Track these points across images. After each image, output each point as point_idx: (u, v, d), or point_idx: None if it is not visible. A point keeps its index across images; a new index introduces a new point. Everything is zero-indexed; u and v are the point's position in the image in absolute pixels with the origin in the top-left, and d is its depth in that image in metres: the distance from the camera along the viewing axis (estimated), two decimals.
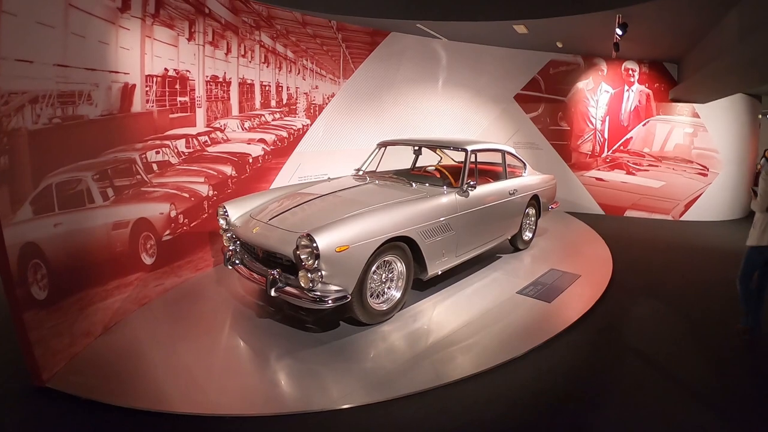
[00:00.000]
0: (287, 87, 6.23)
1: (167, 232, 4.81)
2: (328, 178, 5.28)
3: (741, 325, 3.79)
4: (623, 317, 4.18)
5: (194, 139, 5.14)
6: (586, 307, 4.19)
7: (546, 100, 8.50)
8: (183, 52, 4.92)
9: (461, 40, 7.82)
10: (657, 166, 8.14)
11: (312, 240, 3.15)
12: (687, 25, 5.69)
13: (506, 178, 5.38)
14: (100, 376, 3.05)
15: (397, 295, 3.84)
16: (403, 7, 6.34)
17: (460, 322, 3.83)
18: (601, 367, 3.34)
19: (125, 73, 4.33)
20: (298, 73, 6.34)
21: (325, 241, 3.19)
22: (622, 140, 8.29)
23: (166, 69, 4.76)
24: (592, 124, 8.40)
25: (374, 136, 6.26)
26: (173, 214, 4.89)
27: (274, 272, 3.47)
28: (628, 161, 8.30)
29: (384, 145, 5.28)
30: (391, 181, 4.75)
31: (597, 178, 8.49)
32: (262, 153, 6.00)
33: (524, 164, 5.88)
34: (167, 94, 4.80)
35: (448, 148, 5.18)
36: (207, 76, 5.22)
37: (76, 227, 3.75)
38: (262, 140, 5.98)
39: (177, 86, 4.91)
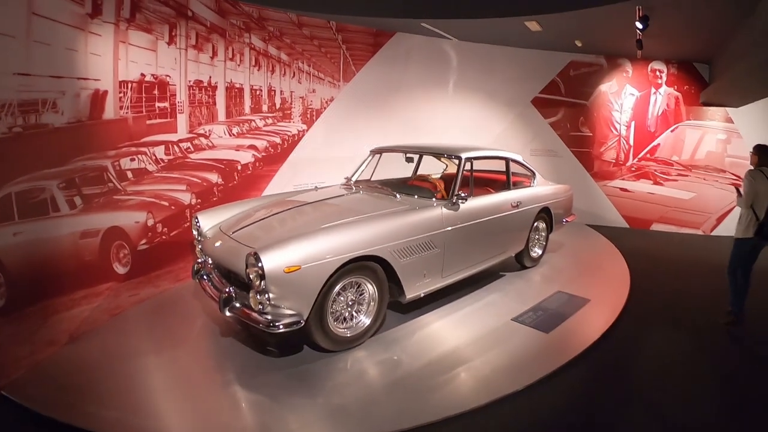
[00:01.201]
0: (281, 91, 6.06)
1: (143, 241, 4.71)
2: (316, 187, 5.02)
3: (728, 315, 4.24)
4: (634, 353, 3.72)
5: (175, 146, 5.02)
6: (589, 340, 3.73)
7: (566, 104, 8.05)
8: (162, 57, 4.82)
9: (473, 40, 7.47)
10: (687, 175, 7.60)
11: (258, 259, 2.89)
12: (715, 17, 5.15)
13: (509, 189, 4.98)
14: (55, 387, 3.01)
15: (366, 321, 3.51)
16: (404, 5, 6.05)
17: (439, 353, 3.47)
18: (600, 416, 2.91)
19: (95, 80, 4.26)
20: (293, 76, 6.16)
21: (272, 260, 2.91)
22: (649, 147, 7.77)
23: (142, 74, 4.66)
24: (617, 130, 7.90)
25: (378, 142, 5.94)
26: (150, 222, 4.78)
27: (229, 290, 3.24)
28: (655, 170, 7.76)
29: (377, 152, 4.99)
30: (377, 191, 4.42)
31: (621, 189, 7.99)
32: (253, 160, 5.84)
33: (533, 173, 5.45)
34: (144, 100, 4.68)
35: (441, 155, 4.82)
36: (190, 81, 5.09)
37: (38, 236, 3.71)
38: (252, 146, 5.82)
39: (155, 92, 4.80)
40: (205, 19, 5.16)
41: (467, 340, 3.67)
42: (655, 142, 7.74)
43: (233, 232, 3.64)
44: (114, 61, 4.39)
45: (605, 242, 6.75)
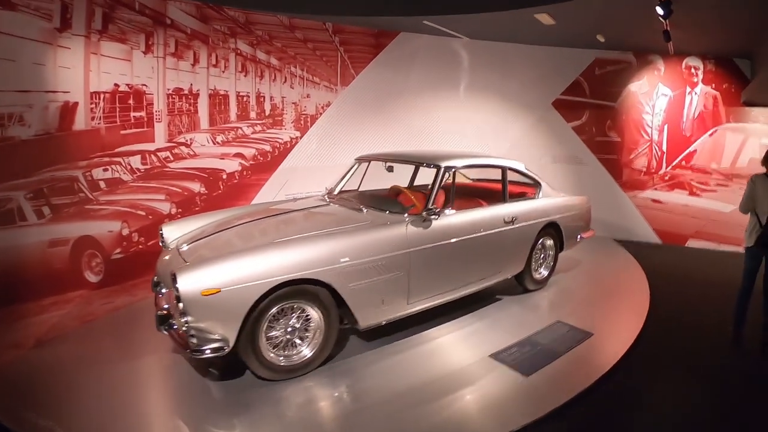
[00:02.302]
0: (270, 97, 6.03)
1: (117, 250, 4.84)
2: (294, 198, 4.92)
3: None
4: (629, 412, 3.16)
5: (152, 155, 5.11)
6: (574, 390, 3.18)
7: (591, 107, 7.57)
8: (138, 66, 4.93)
9: (485, 38, 7.14)
10: (727, 185, 6.97)
11: (174, 280, 2.81)
12: (755, 4, 4.61)
13: (505, 202, 4.60)
14: (7, 389, 3.13)
15: (307, 353, 3.28)
16: (404, 3, 5.84)
17: (394, 391, 3.16)
18: None
19: (65, 92, 4.43)
20: (285, 81, 6.11)
21: (188, 282, 2.81)
22: (684, 154, 7.19)
23: (116, 85, 4.79)
24: (648, 135, 7.36)
25: (379, 150, 5.83)
26: (125, 232, 4.92)
27: (166, 307, 3.19)
28: (691, 180, 7.17)
29: (362, 159, 4.80)
30: (347, 204, 4.22)
31: (653, 200, 7.44)
32: (239, 168, 5.85)
33: (537, 183, 5.05)
34: (118, 110, 4.78)
35: (420, 164, 4.53)
36: (169, 89, 5.16)
37: (4, 244, 4.00)
38: (239, 155, 5.83)
39: (130, 101, 4.87)
40: (185, 26, 5.22)
41: (429, 377, 3.32)
42: (691, 148, 7.15)
43: (182, 247, 3.59)
44: (85, 72, 4.55)
45: (630, 261, 6.24)
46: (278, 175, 6.22)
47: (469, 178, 5.67)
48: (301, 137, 6.39)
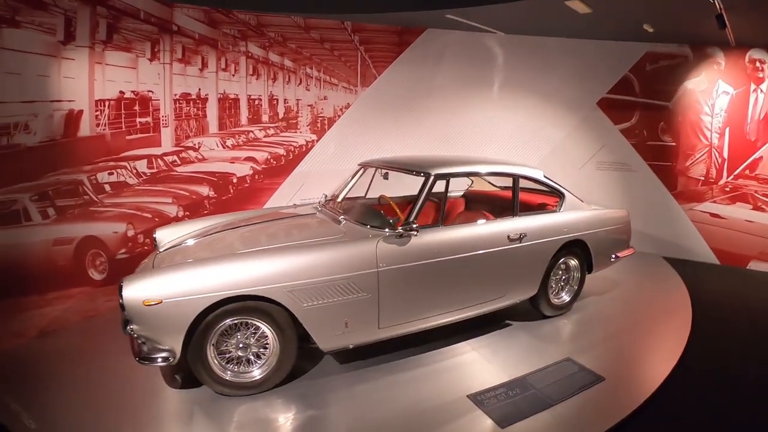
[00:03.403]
0: (284, 99, 6.10)
1: (122, 250, 5.15)
2: (294, 204, 4.93)
3: None
4: None
5: (158, 159, 5.33)
6: None
7: (642, 106, 6.99)
8: (144, 73, 5.22)
9: (521, 32, 6.78)
10: None
11: (120, 288, 2.94)
12: None
13: (514, 216, 4.24)
14: (4, 373, 3.50)
15: (257, 375, 3.27)
16: None
17: (349, 423, 3.05)
18: None
19: (69, 101, 4.78)
20: (300, 83, 6.14)
21: (131, 291, 2.92)
22: (749, 161, 6.47)
23: (121, 92, 5.08)
24: (707, 139, 6.69)
25: (402, 153, 5.69)
26: (130, 233, 5.24)
27: None
28: (756, 191, 6.44)
29: (366, 165, 4.63)
30: (331, 214, 4.12)
31: (712, 214, 6.76)
32: (251, 172, 5.97)
33: (560, 194, 4.65)
34: (123, 116, 5.04)
35: (409, 172, 4.11)
36: (176, 95, 5.36)
37: (10, 242, 4.47)
38: (250, 158, 5.97)
39: (136, 107, 5.12)
40: (193, 31, 5.41)
41: (393, 411, 3.13)
42: (756, 155, 6.43)
43: (160, 253, 3.73)
44: (89, 81, 4.89)
45: (677, 284, 5.67)
46: (293, 180, 6.32)
47: (495, 186, 5.36)
48: (317, 140, 6.40)
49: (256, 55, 5.85)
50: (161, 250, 3.80)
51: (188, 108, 5.47)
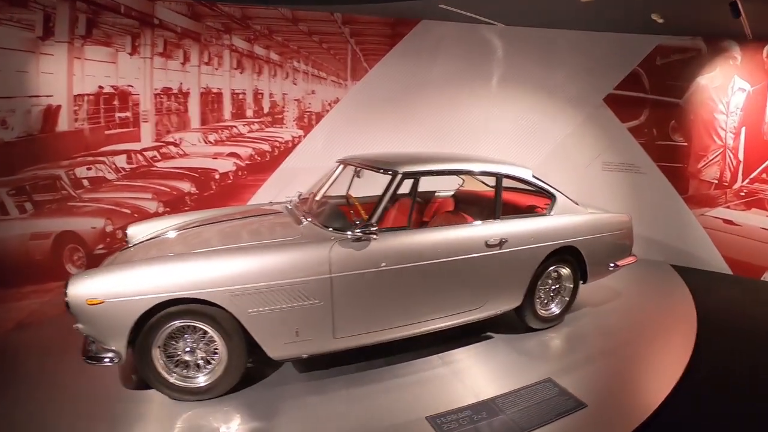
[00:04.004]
0: (270, 94, 6.12)
1: (100, 246, 5.29)
2: (270, 202, 4.93)
3: None
4: None
5: (138, 155, 5.45)
6: None
7: (651, 103, 6.74)
8: (124, 68, 5.35)
9: (522, 24, 6.61)
10: None
11: (65, 286, 3.02)
12: None
13: (496, 219, 4.05)
14: None
15: (202, 381, 3.26)
16: None
17: None
18: None
19: (48, 96, 4.94)
20: (286, 77, 6.13)
21: (75, 290, 2.97)
22: (766, 164, 6.19)
23: (100, 87, 5.21)
24: (721, 139, 6.42)
25: (394, 150, 5.57)
26: (109, 229, 5.34)
27: None
28: None
29: (344, 162, 4.51)
30: (295, 213, 4.06)
31: (725, 220, 6.50)
32: (234, 168, 6.00)
33: (551, 196, 4.46)
34: (102, 111, 5.17)
35: (377, 170, 3.95)
36: (156, 89, 5.46)
37: None
38: (233, 154, 6.01)
39: (115, 102, 5.23)
40: (175, 25, 5.47)
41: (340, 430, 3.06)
42: None
43: (125, 249, 3.82)
44: (68, 77, 5.05)
45: (684, 296, 5.44)
46: (278, 176, 6.34)
47: (490, 186, 5.21)
48: (304, 136, 6.39)
49: (240, 48, 5.91)
50: (125, 248, 3.90)
51: (169, 103, 5.58)
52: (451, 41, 6.78)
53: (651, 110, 6.79)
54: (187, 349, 3.22)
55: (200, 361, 3.28)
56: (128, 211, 5.43)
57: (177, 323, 3.14)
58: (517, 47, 6.88)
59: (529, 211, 4.48)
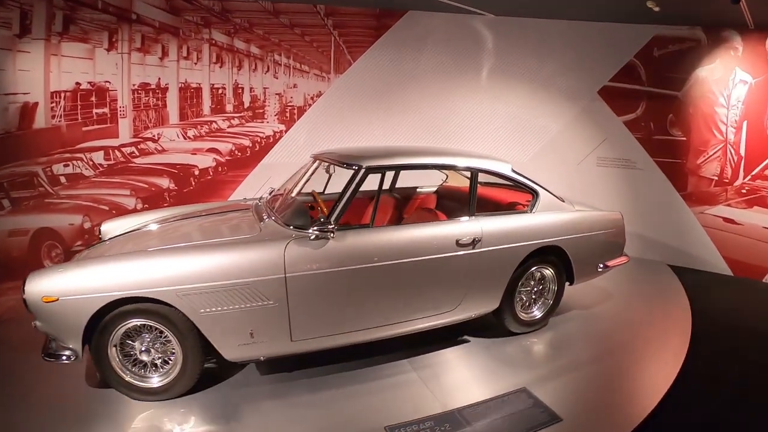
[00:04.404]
0: (250, 88, 6.13)
1: (78, 242, 5.42)
2: (244, 198, 4.95)
3: None
4: None
5: (116, 151, 5.54)
6: None
7: (648, 96, 6.56)
8: (101, 64, 5.49)
9: (513, 14, 6.49)
10: None
11: (23, 282, 3.09)
12: None
13: (470, 216, 3.94)
14: None
15: (155, 382, 3.28)
16: None
17: None
18: None
19: (25, 93, 5.10)
20: (267, 71, 6.15)
21: (32, 286, 3.04)
22: None
23: (77, 83, 5.30)
24: (721, 134, 6.21)
25: (379, 144, 5.51)
26: (87, 225, 5.48)
27: None
28: None
29: (318, 158, 4.38)
30: (259, 212, 4.03)
31: (725, 219, 6.31)
32: (214, 164, 6.06)
33: (533, 192, 4.31)
34: (80, 107, 5.28)
35: (341, 165, 3.87)
36: (134, 85, 5.55)
37: None
38: (213, 150, 6.07)
39: (93, 99, 5.33)
40: (153, 19, 5.55)
41: None
42: None
43: (96, 245, 3.90)
44: (45, 74, 5.21)
45: (680, 298, 5.27)
46: (259, 172, 6.39)
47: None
48: (286, 131, 6.39)
49: (220, 42, 5.98)
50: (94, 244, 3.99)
51: (147, 98, 5.67)
52: (439, 33, 6.69)
53: (648, 103, 6.62)
54: (143, 348, 3.23)
55: (158, 361, 3.28)
56: (106, 208, 5.58)
57: (133, 322, 3.14)
58: (508, 38, 6.76)
59: (509, 209, 4.34)
